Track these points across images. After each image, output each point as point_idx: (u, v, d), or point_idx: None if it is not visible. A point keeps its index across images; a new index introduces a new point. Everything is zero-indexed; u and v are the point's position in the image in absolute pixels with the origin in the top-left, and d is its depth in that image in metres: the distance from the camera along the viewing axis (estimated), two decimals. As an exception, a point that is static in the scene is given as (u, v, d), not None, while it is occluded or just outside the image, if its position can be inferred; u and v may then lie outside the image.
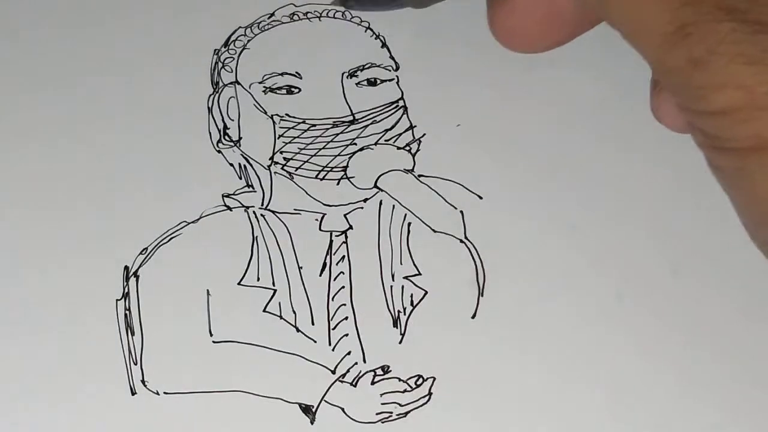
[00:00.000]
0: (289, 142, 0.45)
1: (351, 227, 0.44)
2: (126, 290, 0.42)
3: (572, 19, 0.37)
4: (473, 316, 0.42)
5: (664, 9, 0.30)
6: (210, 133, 0.46)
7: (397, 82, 0.47)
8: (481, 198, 0.44)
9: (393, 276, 0.43)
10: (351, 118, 0.46)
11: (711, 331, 0.42)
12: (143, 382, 0.40)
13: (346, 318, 0.42)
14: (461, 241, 0.43)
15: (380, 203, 0.44)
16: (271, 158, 0.45)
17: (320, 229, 0.44)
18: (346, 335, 0.41)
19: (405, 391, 0.40)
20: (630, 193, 0.45)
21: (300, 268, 0.43)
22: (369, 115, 0.46)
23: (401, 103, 0.46)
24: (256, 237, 0.44)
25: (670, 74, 0.32)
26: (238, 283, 0.43)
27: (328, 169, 0.45)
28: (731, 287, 0.42)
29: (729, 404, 0.40)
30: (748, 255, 0.41)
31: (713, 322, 0.42)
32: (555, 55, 0.48)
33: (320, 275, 0.43)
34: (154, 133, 0.46)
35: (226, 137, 0.46)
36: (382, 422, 0.40)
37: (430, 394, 0.40)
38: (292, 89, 0.47)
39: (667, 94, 0.37)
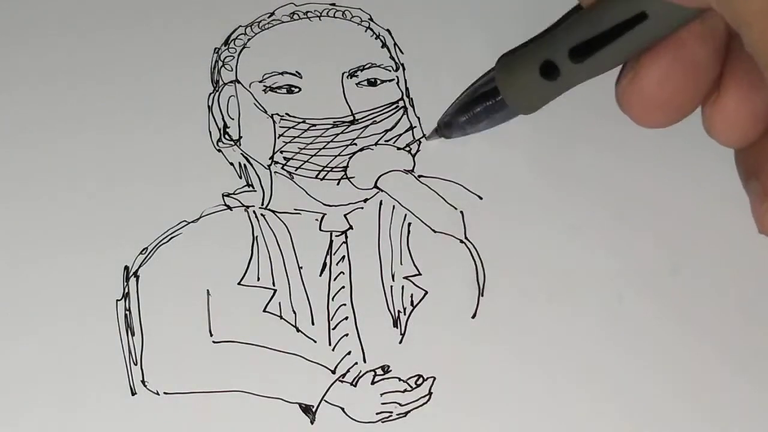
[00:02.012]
0: (289, 142, 0.45)
1: (351, 227, 0.44)
2: (126, 290, 0.42)
3: (695, 84, 0.37)
4: (473, 316, 0.42)
5: None
6: (210, 132, 0.46)
7: (398, 83, 0.47)
8: (481, 198, 0.44)
9: (393, 276, 0.43)
10: (351, 118, 0.46)
11: (712, 331, 0.42)
12: (143, 382, 0.40)
13: (346, 318, 0.42)
14: (461, 241, 0.43)
15: (380, 203, 0.44)
16: (271, 158, 0.45)
17: (320, 229, 0.44)
18: (346, 335, 0.41)
19: (405, 390, 0.40)
20: (630, 193, 0.45)
21: (300, 268, 0.43)
22: (369, 115, 0.46)
23: (401, 103, 0.46)
24: (256, 237, 0.44)
25: None
26: (238, 283, 0.43)
27: (328, 169, 0.45)
28: (731, 287, 0.42)
29: (729, 404, 0.40)
30: (748, 255, 0.42)
31: (714, 322, 0.42)
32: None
33: (320, 275, 0.43)
34: (154, 132, 0.47)
35: (226, 136, 0.46)
36: (382, 422, 0.40)
37: (430, 393, 0.40)
38: (293, 88, 0.47)
39: (732, 101, 0.38)
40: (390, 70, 0.47)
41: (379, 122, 0.46)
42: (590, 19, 0.39)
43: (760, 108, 0.39)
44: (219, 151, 0.46)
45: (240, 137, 0.46)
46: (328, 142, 0.45)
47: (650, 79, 0.39)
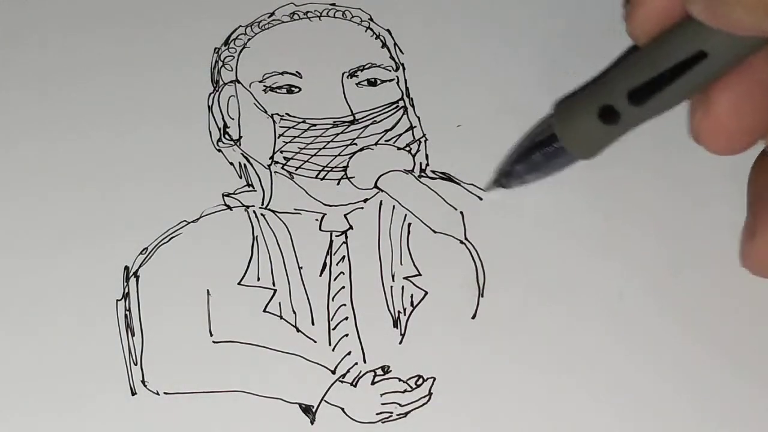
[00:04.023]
0: (289, 142, 0.45)
1: (351, 227, 0.44)
2: (126, 290, 0.42)
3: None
4: (473, 317, 0.42)
5: None
6: (210, 132, 0.46)
7: (398, 83, 0.47)
8: (481, 198, 0.44)
9: (393, 276, 0.43)
10: (351, 118, 0.46)
11: (712, 331, 0.42)
12: (143, 382, 0.40)
13: (347, 318, 0.42)
14: (461, 241, 0.43)
15: (380, 203, 0.44)
16: (271, 157, 0.45)
17: (320, 229, 0.44)
18: (347, 335, 0.41)
19: (405, 391, 0.40)
20: (630, 192, 0.45)
21: (300, 268, 0.43)
22: (369, 115, 0.46)
23: (401, 103, 0.46)
24: (256, 237, 0.44)
25: None
26: (238, 283, 0.43)
27: (329, 169, 0.45)
28: (732, 286, 0.42)
29: (730, 404, 0.40)
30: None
31: (714, 321, 0.42)
32: (555, 55, 0.48)
33: (320, 275, 0.43)
34: (154, 132, 0.46)
35: (226, 136, 0.46)
36: (382, 422, 0.40)
37: (430, 394, 0.40)
38: (293, 88, 0.47)
39: (723, 109, 0.38)
40: (390, 70, 0.47)
41: (379, 122, 0.46)
42: (648, 60, 0.38)
43: (751, 119, 0.38)
44: (219, 151, 0.46)
45: (240, 137, 0.46)
46: (328, 142, 0.45)
47: (724, 111, 0.38)
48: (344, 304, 0.42)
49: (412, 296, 0.42)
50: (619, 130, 0.40)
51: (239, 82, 0.47)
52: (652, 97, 0.38)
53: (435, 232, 0.44)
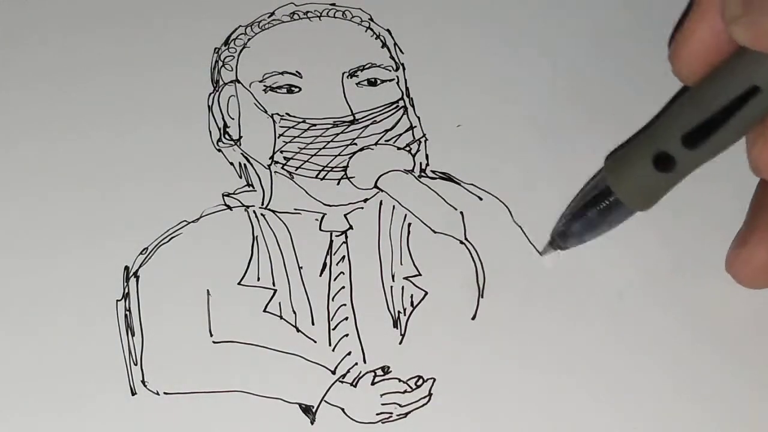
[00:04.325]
0: (290, 142, 0.45)
1: (351, 227, 0.44)
2: (126, 290, 0.42)
3: None
4: (473, 317, 0.42)
5: None
6: (210, 132, 0.46)
7: (398, 83, 0.47)
8: (481, 199, 0.44)
9: (393, 276, 0.43)
10: (351, 118, 0.46)
11: (712, 330, 0.42)
12: (143, 382, 0.40)
13: (347, 318, 0.42)
14: (461, 242, 0.43)
15: (380, 203, 0.44)
16: (272, 157, 0.45)
17: (320, 229, 0.44)
18: (347, 335, 0.41)
19: (405, 391, 0.40)
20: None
21: (300, 268, 0.43)
22: (369, 115, 0.46)
23: (401, 103, 0.46)
24: (256, 237, 0.44)
25: None
26: (238, 283, 0.43)
27: (329, 169, 0.45)
28: (731, 286, 0.42)
29: (730, 403, 0.40)
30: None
31: (714, 321, 0.42)
32: (555, 55, 0.48)
33: (320, 275, 0.43)
34: (154, 132, 0.47)
35: (227, 136, 0.46)
36: (382, 423, 0.40)
37: (430, 394, 0.40)
38: (293, 88, 0.47)
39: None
40: (390, 70, 0.47)
41: (379, 122, 0.46)
42: (700, 101, 0.37)
43: None
44: (219, 151, 0.46)
45: (240, 137, 0.46)
46: (328, 142, 0.45)
47: None
48: (344, 304, 0.42)
49: (412, 296, 0.42)
50: (675, 176, 0.39)
51: (239, 82, 0.47)
52: (707, 140, 0.37)
53: (435, 232, 0.44)
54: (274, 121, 0.46)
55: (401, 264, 0.43)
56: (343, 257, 0.43)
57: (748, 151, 0.38)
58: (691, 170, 0.39)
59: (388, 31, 0.48)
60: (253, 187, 0.45)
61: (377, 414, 0.40)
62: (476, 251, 0.43)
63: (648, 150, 0.39)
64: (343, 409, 0.40)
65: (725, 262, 0.41)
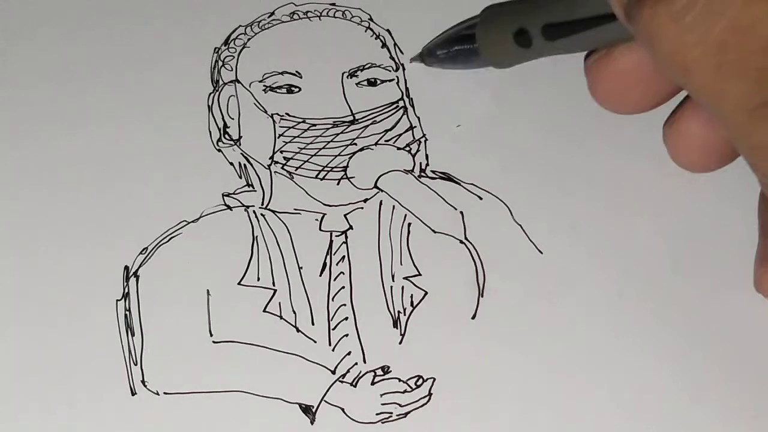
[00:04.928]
0: (289, 142, 0.45)
1: (351, 227, 0.44)
2: (126, 290, 0.42)
3: (663, 86, 0.38)
4: (473, 317, 0.42)
5: (749, 83, 0.29)
6: (210, 132, 0.46)
7: (398, 83, 0.47)
8: (481, 198, 0.44)
9: (393, 276, 0.43)
10: (351, 118, 0.46)
11: (712, 330, 0.42)
12: (143, 382, 0.40)
13: (346, 318, 0.42)
14: (461, 241, 0.43)
15: (380, 203, 0.44)
16: (271, 157, 0.45)
17: (320, 229, 0.44)
18: (346, 335, 0.41)
19: (405, 391, 0.40)
20: (630, 192, 0.45)
21: (300, 268, 0.43)
22: (369, 115, 0.46)
23: (401, 103, 0.46)
24: (256, 237, 0.44)
25: (757, 150, 0.31)
26: (238, 283, 0.43)
27: (328, 169, 0.45)
28: (731, 285, 0.42)
29: (729, 403, 0.40)
30: (747, 253, 0.42)
31: (714, 321, 0.42)
32: (556, 56, 0.48)
33: (320, 275, 0.43)
34: (154, 132, 0.47)
35: (226, 136, 0.46)
36: (382, 422, 0.40)
37: (430, 394, 0.40)
38: (293, 88, 0.47)
39: (690, 125, 0.38)
40: (390, 70, 0.47)
41: (379, 122, 0.46)
42: (571, 3, 0.40)
43: (714, 138, 0.38)
44: (219, 151, 0.46)
45: (240, 137, 0.46)
46: (328, 142, 0.45)
47: (618, 68, 0.39)
48: (344, 304, 0.42)
49: (412, 296, 0.42)
50: (529, 54, 0.42)
51: (239, 82, 0.47)
52: (563, 38, 0.39)
53: (435, 232, 0.44)
54: (273, 121, 0.46)
55: (401, 264, 0.43)
56: (343, 257, 0.43)
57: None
58: (542, 55, 0.42)
59: (388, 31, 0.48)
60: (253, 187, 0.45)
61: (377, 414, 0.40)
62: (476, 251, 0.43)
63: (513, 22, 0.42)
64: (343, 409, 0.40)
65: (754, 282, 0.41)
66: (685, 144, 0.40)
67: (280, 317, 0.42)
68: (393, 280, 0.42)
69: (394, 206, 0.44)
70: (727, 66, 0.30)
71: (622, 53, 0.39)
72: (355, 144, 0.45)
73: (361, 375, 0.41)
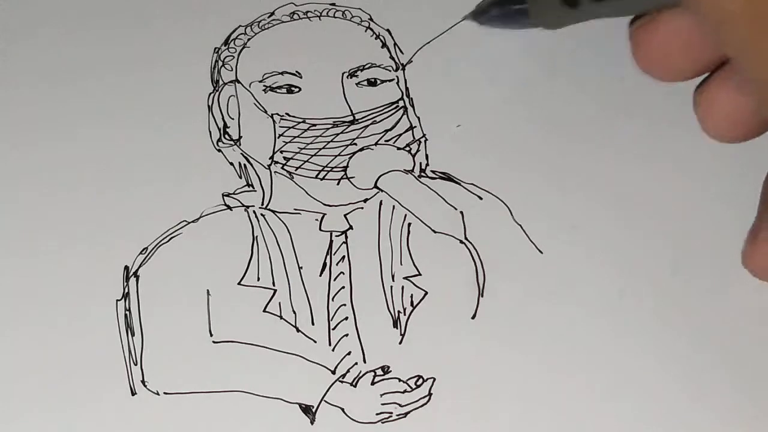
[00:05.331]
0: (289, 142, 0.45)
1: (351, 227, 0.44)
2: (126, 290, 0.42)
3: (706, 53, 0.38)
4: (473, 317, 0.42)
5: None
6: (210, 132, 0.46)
7: (398, 83, 0.47)
8: (481, 198, 0.44)
9: (393, 276, 0.43)
10: (351, 118, 0.46)
11: (712, 330, 0.42)
12: (143, 382, 0.40)
13: (346, 318, 0.42)
14: (461, 241, 0.43)
15: (380, 203, 0.44)
16: (271, 157, 0.45)
17: (320, 229, 0.44)
18: (346, 335, 0.41)
19: (405, 391, 0.40)
20: (630, 192, 0.45)
21: (300, 268, 0.43)
22: (369, 115, 0.46)
23: (401, 103, 0.46)
24: (256, 237, 0.44)
25: None
26: (238, 283, 0.43)
27: (328, 169, 0.45)
28: (731, 285, 0.42)
29: (729, 403, 0.40)
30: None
31: (714, 320, 0.42)
32: (555, 55, 0.48)
33: (320, 275, 0.43)
34: (154, 132, 0.47)
35: (226, 136, 0.46)
36: (382, 422, 0.40)
37: (430, 394, 0.40)
38: (292, 88, 0.47)
39: (721, 93, 0.38)
40: (390, 70, 0.47)
41: (379, 122, 0.46)
42: None
43: (745, 107, 0.38)
44: (219, 151, 0.46)
45: (240, 137, 0.46)
46: (328, 142, 0.45)
47: (661, 34, 0.39)
48: (344, 304, 0.42)
49: (412, 296, 0.42)
50: (577, 15, 0.41)
51: (239, 82, 0.47)
52: (609, 0, 0.40)
53: (435, 232, 0.44)
54: (273, 121, 0.46)
55: (401, 264, 0.43)
56: (343, 257, 0.43)
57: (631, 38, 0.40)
58: (590, 17, 0.41)
59: (388, 31, 0.48)
60: (253, 187, 0.45)
61: (377, 414, 0.40)
62: (476, 251, 0.43)
63: None
64: (343, 409, 0.40)
65: (742, 258, 0.41)
66: (715, 112, 0.39)
67: (280, 317, 0.42)
68: (393, 280, 0.43)
69: (394, 206, 0.44)
70: (764, 19, 0.30)
71: (666, 19, 0.39)
72: (355, 144, 0.45)
73: (361, 375, 0.41)
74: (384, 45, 0.48)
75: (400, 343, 0.41)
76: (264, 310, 0.42)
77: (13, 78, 0.48)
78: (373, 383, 0.40)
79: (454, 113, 0.47)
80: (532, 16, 0.44)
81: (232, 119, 0.46)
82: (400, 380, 0.40)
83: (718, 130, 0.40)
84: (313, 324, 0.42)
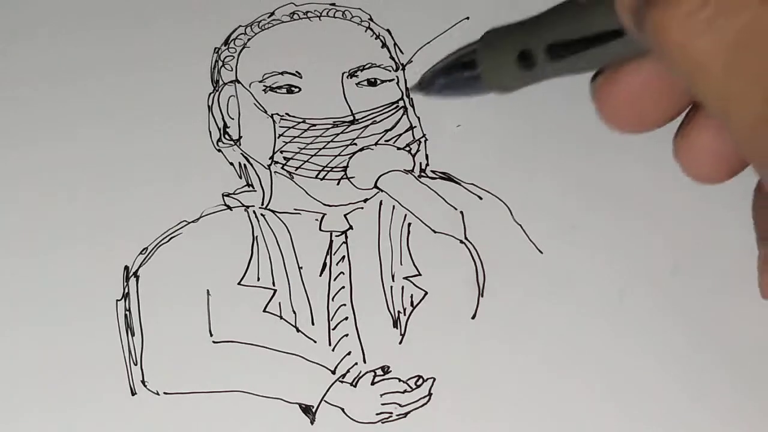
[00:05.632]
0: (289, 142, 0.45)
1: (351, 227, 0.44)
2: (126, 290, 0.42)
3: (674, 102, 0.37)
4: (473, 317, 0.42)
5: (761, 87, 0.29)
6: (210, 132, 0.46)
7: (398, 83, 0.47)
8: (481, 198, 0.44)
9: (393, 276, 0.43)
10: (351, 118, 0.46)
11: (711, 330, 0.42)
12: (143, 382, 0.40)
13: (346, 318, 0.42)
14: (461, 241, 0.43)
15: (380, 203, 0.44)
16: (271, 157, 0.45)
17: (320, 229, 0.44)
18: (346, 335, 0.41)
19: (405, 391, 0.40)
20: (630, 192, 0.45)
21: (300, 268, 0.43)
22: (369, 115, 0.46)
23: (401, 103, 0.46)
24: (256, 237, 0.44)
25: (764, 165, 0.31)
26: (238, 283, 0.43)
27: (328, 169, 0.45)
28: (731, 286, 0.42)
29: (729, 402, 0.40)
30: (747, 254, 0.42)
31: (713, 319, 0.42)
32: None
33: (320, 275, 0.43)
34: (154, 132, 0.47)
35: (226, 136, 0.46)
36: (382, 422, 0.40)
37: (430, 394, 0.40)
38: (292, 88, 0.47)
39: (700, 136, 0.38)
40: (390, 70, 0.47)
41: (379, 122, 0.46)
42: (576, 20, 0.39)
43: (726, 149, 0.38)
44: (219, 151, 0.46)
45: (240, 137, 0.46)
46: (328, 142, 0.45)
47: (628, 87, 0.39)
48: (344, 304, 0.42)
49: (412, 296, 0.42)
50: (533, 77, 0.41)
51: (239, 82, 0.47)
52: (568, 57, 0.39)
53: (435, 232, 0.44)
54: (273, 121, 0.46)
55: (401, 264, 0.43)
56: (343, 257, 0.43)
57: (591, 79, 0.40)
58: (548, 77, 0.41)
59: (388, 31, 0.48)
60: (253, 187, 0.45)
61: (377, 414, 0.40)
62: (476, 251, 0.43)
63: (516, 43, 0.40)
64: (343, 409, 0.40)
65: (760, 290, 0.40)
66: (696, 156, 0.39)
67: (280, 317, 0.42)
68: (393, 280, 0.43)
69: (394, 206, 0.44)
70: (738, 67, 0.30)
71: (633, 70, 0.38)
72: (355, 144, 0.45)
73: (361, 375, 0.41)
74: (384, 45, 0.48)
75: (400, 343, 0.41)
76: (264, 310, 0.42)
77: (13, 78, 0.48)
78: (373, 383, 0.40)
79: (454, 113, 0.47)
80: (486, 82, 0.43)
81: (232, 119, 0.46)
82: (400, 380, 0.40)
83: (703, 175, 0.39)
84: (313, 324, 0.42)
